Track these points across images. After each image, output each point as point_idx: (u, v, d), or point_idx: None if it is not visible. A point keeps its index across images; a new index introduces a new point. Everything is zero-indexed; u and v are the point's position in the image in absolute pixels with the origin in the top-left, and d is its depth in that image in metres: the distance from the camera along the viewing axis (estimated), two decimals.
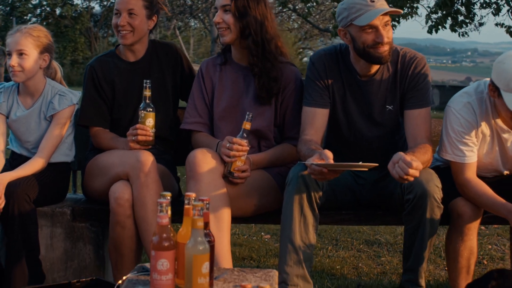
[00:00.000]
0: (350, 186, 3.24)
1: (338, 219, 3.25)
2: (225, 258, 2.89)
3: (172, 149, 3.48)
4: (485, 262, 4.24)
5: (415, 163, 2.70)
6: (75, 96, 3.30)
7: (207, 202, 2.17)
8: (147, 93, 3.09)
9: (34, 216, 3.06)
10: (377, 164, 2.77)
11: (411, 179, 2.74)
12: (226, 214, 2.96)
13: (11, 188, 3.01)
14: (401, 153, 2.75)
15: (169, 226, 2.15)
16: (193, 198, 2.18)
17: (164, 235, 2.12)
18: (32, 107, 3.28)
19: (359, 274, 3.93)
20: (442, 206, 2.94)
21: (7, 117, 3.31)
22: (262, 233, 4.83)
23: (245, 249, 4.37)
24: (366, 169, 2.81)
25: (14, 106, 3.30)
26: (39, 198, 3.11)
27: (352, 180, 3.24)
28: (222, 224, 2.94)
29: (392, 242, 4.69)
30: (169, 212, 2.17)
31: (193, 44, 36.98)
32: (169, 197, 2.18)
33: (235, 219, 3.08)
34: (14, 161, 3.30)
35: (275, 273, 2.39)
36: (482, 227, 5.11)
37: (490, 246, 4.63)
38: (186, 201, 2.19)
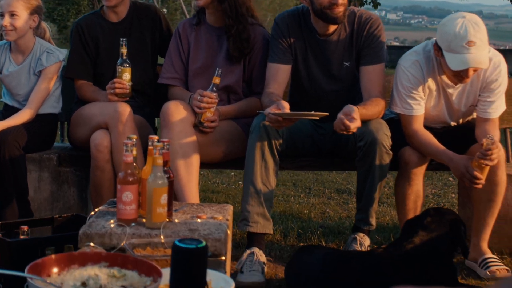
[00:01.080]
0: (311, 136, 3.53)
1: (299, 165, 3.55)
2: (193, 199, 3.20)
3: (151, 103, 3.77)
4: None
5: (353, 125, 3.00)
6: (61, 53, 3.58)
7: (167, 143, 2.48)
8: (124, 50, 3.38)
9: (23, 161, 3.36)
10: (327, 114, 3.06)
11: (351, 131, 3.04)
12: (195, 160, 3.26)
13: (2, 135, 3.31)
14: (343, 114, 3.04)
15: (133, 164, 2.46)
16: (156, 140, 2.48)
17: (129, 171, 2.43)
18: (23, 63, 3.57)
19: (325, 218, 4.25)
20: (391, 152, 3.23)
21: (0, 73, 3.60)
22: (240, 182, 5.13)
23: (222, 195, 4.69)
24: (318, 118, 3.10)
25: (6, 62, 3.59)
26: (28, 145, 3.41)
27: (312, 130, 3.52)
28: (191, 168, 3.24)
29: None
30: (134, 152, 2.48)
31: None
32: (134, 139, 2.49)
33: (204, 165, 3.39)
34: (6, 112, 3.60)
35: (229, 207, 2.70)
36: (450, 178, 5.43)
37: (453, 195, 4.94)
38: (149, 143, 2.49)
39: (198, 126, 3.33)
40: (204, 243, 1.87)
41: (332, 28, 3.40)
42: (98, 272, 1.99)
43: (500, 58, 3.30)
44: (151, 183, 2.38)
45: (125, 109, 3.32)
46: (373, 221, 3.38)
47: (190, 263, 1.86)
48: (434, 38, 3.33)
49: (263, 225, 3.22)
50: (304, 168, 3.60)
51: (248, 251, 3.18)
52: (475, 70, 3.17)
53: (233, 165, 3.55)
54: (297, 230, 3.86)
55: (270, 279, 3.12)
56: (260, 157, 3.21)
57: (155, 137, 2.49)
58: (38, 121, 3.53)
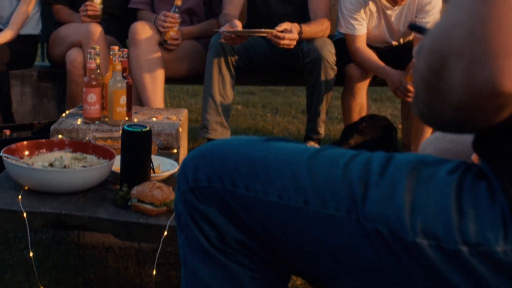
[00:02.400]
0: (266, 53, 3.86)
1: (255, 80, 3.91)
2: (158, 107, 3.56)
3: (122, 25, 4.09)
4: None
5: (287, 36, 3.35)
6: None
7: (126, 52, 2.82)
8: None
9: (6, 76, 3.71)
10: (273, 30, 3.40)
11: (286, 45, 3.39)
12: (160, 74, 3.61)
13: None
14: (284, 25, 3.38)
15: (97, 70, 2.81)
16: (116, 50, 2.82)
17: (93, 76, 2.78)
18: None
19: (286, 134, 4.63)
20: (335, 67, 3.58)
21: None
22: None
23: (194, 114, 5.06)
24: (265, 35, 3.43)
25: None
26: (10, 63, 3.75)
27: (267, 48, 3.86)
28: (156, 81, 3.59)
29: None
30: (98, 60, 2.82)
31: None
32: (97, 49, 2.83)
33: (170, 80, 3.74)
34: None
35: (184, 111, 3.06)
36: None
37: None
38: (110, 53, 2.83)
39: (162, 44, 3.67)
40: (148, 128, 2.24)
41: None
42: (63, 155, 2.37)
43: None
44: (111, 86, 2.74)
45: (97, 29, 3.64)
46: (322, 130, 3.75)
47: (135, 144, 2.22)
48: None
49: (221, 132, 3.59)
50: (259, 83, 3.96)
51: None
52: None
53: (195, 80, 3.90)
54: None
55: None
56: (217, 72, 3.56)
57: (116, 47, 2.83)
58: (19, 41, 3.86)
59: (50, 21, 4.11)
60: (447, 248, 0.90)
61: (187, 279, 1.15)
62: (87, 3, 3.70)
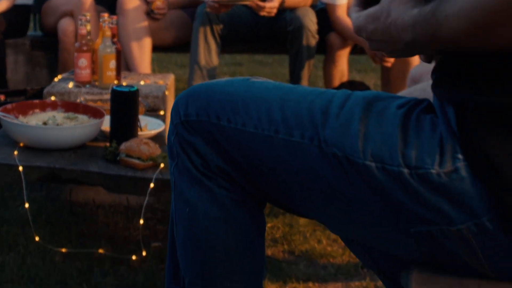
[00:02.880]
0: (249, 22, 3.99)
1: (240, 48, 4.06)
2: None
3: None
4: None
5: (268, 5, 3.49)
6: None
7: (115, 19, 2.96)
8: None
9: (2, 45, 3.83)
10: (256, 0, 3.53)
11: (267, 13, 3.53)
12: (147, 43, 3.75)
13: None
14: None
15: (87, 36, 2.94)
16: (106, 17, 2.95)
17: (83, 41, 2.91)
18: None
19: None
20: (316, 36, 3.72)
21: None
22: None
23: (182, 83, 5.20)
24: (249, 3, 3.57)
25: None
26: (5, 32, 3.87)
27: (250, 18, 3.99)
28: (144, 48, 3.73)
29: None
30: (88, 27, 2.95)
31: None
32: (88, 16, 2.96)
33: (157, 48, 3.88)
34: None
35: (171, 75, 3.20)
36: None
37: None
38: (100, 20, 2.96)
39: (149, 14, 3.80)
40: (135, 88, 2.38)
41: None
42: (55, 115, 2.51)
43: None
44: (101, 51, 2.87)
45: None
46: None
47: (124, 103, 2.37)
48: None
49: None
50: (244, 51, 4.10)
51: None
52: None
53: (182, 49, 4.04)
54: None
55: None
56: (203, 40, 3.69)
57: (105, 14, 2.96)
58: (14, 11, 3.97)
59: None
60: (391, 169, 1.06)
61: (177, 201, 1.30)
62: None
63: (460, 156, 1.02)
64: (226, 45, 3.81)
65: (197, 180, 1.27)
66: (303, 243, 2.52)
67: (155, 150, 2.32)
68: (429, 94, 1.20)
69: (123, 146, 2.31)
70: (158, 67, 5.70)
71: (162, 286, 2.20)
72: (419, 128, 1.07)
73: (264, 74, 5.78)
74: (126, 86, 2.41)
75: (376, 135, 1.08)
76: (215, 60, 3.74)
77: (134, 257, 2.35)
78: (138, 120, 2.43)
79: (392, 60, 3.63)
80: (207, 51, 3.70)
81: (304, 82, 3.85)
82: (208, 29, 3.67)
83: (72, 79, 3.01)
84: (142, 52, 3.70)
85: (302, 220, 2.73)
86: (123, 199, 2.87)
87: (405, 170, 1.05)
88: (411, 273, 1.08)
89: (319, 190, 1.15)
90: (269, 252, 2.52)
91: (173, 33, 3.90)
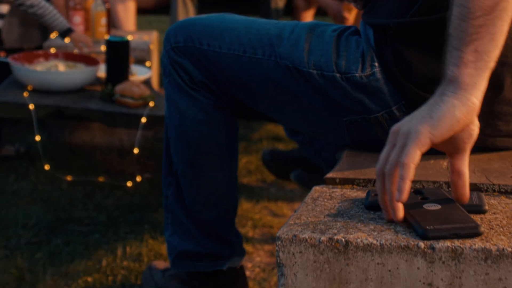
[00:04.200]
0: None
1: (213, 9, 4.38)
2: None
3: None
4: None
5: None
6: None
7: None
8: None
9: None
10: None
11: None
12: (131, 5, 4.10)
13: None
14: None
15: None
16: None
17: (77, 0, 3.27)
18: None
19: None
20: None
21: None
22: None
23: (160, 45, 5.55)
24: None
25: None
26: None
27: None
28: (128, 10, 4.08)
29: None
30: None
31: None
32: None
33: (140, 11, 4.23)
34: None
35: (154, 32, 3.57)
36: None
37: None
38: None
39: None
40: (127, 39, 2.76)
41: None
42: (57, 63, 2.88)
43: None
44: (93, 9, 3.24)
45: None
46: None
47: (118, 50, 2.74)
48: None
49: None
50: (217, 12, 4.46)
51: None
52: None
53: (163, 11, 4.40)
54: None
55: None
56: (182, 4, 4.05)
57: None
58: None
59: None
60: (327, 75, 1.45)
61: (170, 109, 1.69)
62: None
63: (376, 64, 1.42)
64: (203, 8, 4.17)
65: (185, 92, 1.66)
66: None
67: (145, 91, 2.70)
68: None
69: (118, 88, 2.69)
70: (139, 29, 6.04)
71: (155, 205, 2.60)
72: (347, 45, 1.47)
73: None
74: (119, 36, 2.79)
75: (316, 51, 1.48)
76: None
77: (129, 184, 2.74)
78: (129, 66, 2.81)
79: (351, 20, 4.02)
80: (185, 13, 4.06)
81: None
82: None
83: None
84: (127, 12, 4.05)
85: None
86: (116, 140, 3.25)
87: (337, 75, 1.45)
88: (343, 151, 1.49)
89: (276, 94, 1.55)
90: (244, 180, 2.92)
91: None
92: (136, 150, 2.67)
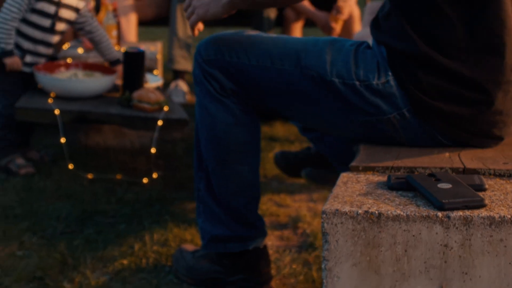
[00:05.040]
0: None
1: (210, 22, 4.62)
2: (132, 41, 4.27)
3: None
4: None
5: None
6: None
7: None
8: None
9: None
10: None
11: None
12: (133, 18, 4.31)
13: None
14: None
15: (92, 11, 3.50)
16: None
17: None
18: None
19: None
20: (275, 10, 4.34)
21: None
22: None
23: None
24: None
25: None
26: None
27: None
28: (130, 22, 4.29)
29: None
30: (92, 3, 3.51)
31: None
32: None
33: (142, 23, 4.44)
34: None
35: (159, 43, 3.79)
36: None
37: None
38: None
39: None
40: (143, 50, 2.97)
41: None
42: (77, 72, 3.08)
43: None
44: (105, 22, 3.44)
45: None
46: None
47: (135, 61, 2.95)
48: None
49: (183, 63, 4.33)
50: (214, 24, 4.68)
51: (174, 83, 4.31)
52: None
53: (160, 23, 4.62)
54: None
55: (191, 104, 4.25)
56: (180, 15, 4.27)
57: None
58: None
59: None
60: (348, 82, 1.69)
61: (201, 114, 1.91)
62: None
63: (390, 73, 1.66)
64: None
65: (216, 98, 1.88)
66: (274, 169, 3.15)
67: (160, 96, 2.92)
68: (368, 39, 1.84)
69: (135, 94, 2.90)
70: (140, 40, 6.24)
71: (171, 199, 2.81)
72: (364, 57, 1.71)
73: None
74: (135, 48, 3.00)
75: (337, 62, 1.72)
76: (190, 32, 4.32)
77: (145, 180, 2.95)
78: (144, 74, 3.03)
79: (338, 30, 4.27)
80: (183, 24, 4.28)
81: None
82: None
83: (77, 46, 3.56)
84: (129, 24, 4.26)
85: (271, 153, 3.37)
86: (127, 142, 3.46)
87: (357, 83, 1.68)
88: (359, 145, 1.73)
89: (300, 99, 1.78)
90: None
91: (153, 9, 4.46)
92: (153, 150, 2.88)
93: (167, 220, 2.58)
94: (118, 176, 2.98)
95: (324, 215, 1.28)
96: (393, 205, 1.28)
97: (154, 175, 2.92)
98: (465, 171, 1.46)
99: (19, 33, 2.98)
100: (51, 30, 3.04)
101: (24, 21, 2.98)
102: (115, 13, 3.52)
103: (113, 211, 2.67)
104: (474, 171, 1.46)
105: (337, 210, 1.28)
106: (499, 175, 1.45)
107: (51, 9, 3.00)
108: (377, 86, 1.67)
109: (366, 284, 1.28)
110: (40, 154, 3.21)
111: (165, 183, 2.99)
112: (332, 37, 1.82)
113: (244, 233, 1.97)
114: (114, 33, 3.45)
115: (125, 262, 2.23)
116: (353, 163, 1.54)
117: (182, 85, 4.28)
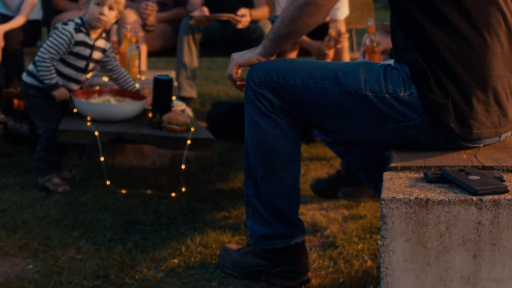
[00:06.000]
0: (220, 32, 4.90)
1: (213, 52, 4.97)
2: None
3: None
4: None
5: (243, 19, 4.44)
6: None
7: (136, 29, 3.83)
8: None
9: (21, 52, 4.60)
10: (232, 15, 4.47)
11: (242, 25, 4.48)
12: (143, 48, 4.60)
13: (7, 34, 4.53)
14: (242, 10, 4.47)
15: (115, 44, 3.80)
16: (129, 28, 3.82)
17: (114, 46, 3.77)
18: None
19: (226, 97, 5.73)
20: None
21: None
22: None
23: None
24: (227, 18, 4.50)
25: None
26: (22, 42, 4.64)
27: (220, 29, 4.90)
28: (142, 55, 4.59)
29: None
30: (115, 37, 3.81)
31: None
32: (115, 28, 3.82)
33: (151, 54, 4.75)
34: (3, 20, 4.78)
35: (173, 72, 4.09)
36: None
37: None
38: (124, 30, 3.83)
39: (144, 27, 4.67)
40: (170, 77, 3.28)
41: None
42: (109, 98, 3.37)
43: None
44: (129, 53, 3.75)
45: None
46: None
47: (164, 86, 3.26)
48: None
49: (190, 91, 4.63)
50: (216, 54, 5.03)
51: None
52: None
53: (166, 54, 4.92)
54: (210, 102, 5.34)
55: None
56: (187, 46, 4.59)
57: (128, 26, 3.83)
58: (27, 25, 4.74)
59: (48, 10, 5.01)
60: (380, 96, 2.01)
61: (252, 130, 2.22)
62: None
63: (413, 87, 1.99)
64: (203, 50, 4.72)
65: (266, 115, 2.19)
66: None
67: (187, 119, 3.22)
68: (390, 61, 2.18)
69: (165, 116, 3.20)
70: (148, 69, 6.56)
71: (200, 209, 3.09)
72: (391, 75, 2.04)
73: (215, 76, 6.72)
74: (163, 75, 3.31)
75: (370, 79, 2.05)
76: (195, 62, 4.64)
77: (173, 194, 3.23)
78: (172, 103, 3.33)
79: (331, 55, 4.63)
80: (190, 54, 4.59)
81: None
82: (190, 37, 4.56)
83: (101, 76, 3.84)
84: (142, 55, 4.55)
85: None
86: (148, 162, 3.74)
87: (387, 96, 2.01)
88: (391, 150, 2.05)
89: (339, 112, 2.11)
90: None
91: (161, 41, 4.77)
92: (183, 166, 3.17)
93: (202, 227, 2.86)
94: (149, 191, 3.26)
95: (383, 202, 1.60)
96: (436, 193, 1.61)
97: (183, 189, 3.21)
98: (484, 168, 1.79)
99: (56, 71, 3.26)
100: (85, 70, 3.34)
101: (62, 61, 3.27)
102: (137, 44, 3.82)
103: (151, 221, 2.95)
104: (491, 168, 1.79)
105: (393, 197, 1.60)
106: (511, 171, 1.79)
107: (86, 52, 3.30)
108: (404, 97, 2.00)
109: (416, 256, 1.60)
110: (72, 173, 3.48)
111: (190, 196, 3.27)
112: (363, 61, 2.15)
113: (287, 231, 2.27)
114: (136, 63, 3.75)
115: (175, 261, 2.51)
116: (392, 164, 1.86)
117: (188, 111, 4.57)
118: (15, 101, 4.11)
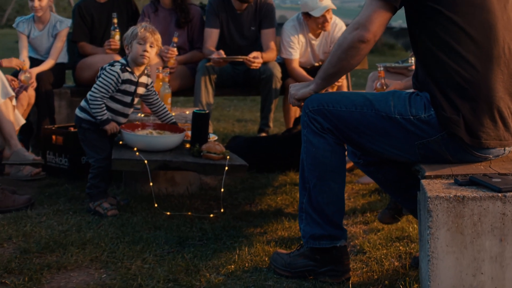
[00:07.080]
0: (230, 73, 5.40)
1: (226, 92, 5.47)
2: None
3: None
4: None
5: (257, 61, 4.95)
6: (68, 21, 5.25)
7: (167, 71, 4.31)
8: (115, 20, 5.12)
9: (52, 92, 5.04)
10: (247, 57, 4.97)
11: (255, 66, 4.98)
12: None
13: (39, 76, 4.97)
14: (254, 53, 4.98)
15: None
16: (161, 69, 4.29)
17: None
18: (43, 30, 5.20)
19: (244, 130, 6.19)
20: (281, 81, 5.19)
21: (28, 36, 5.22)
22: None
23: None
24: (242, 60, 5.00)
25: (32, 30, 5.21)
26: (53, 82, 5.08)
27: (231, 71, 5.40)
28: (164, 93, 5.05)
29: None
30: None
31: None
32: (149, 69, 4.28)
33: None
34: (33, 63, 5.22)
35: (194, 109, 4.56)
36: None
37: None
38: (158, 71, 4.30)
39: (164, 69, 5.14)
40: (208, 111, 3.74)
41: (244, 5, 5.29)
42: (151, 130, 3.81)
43: (342, 24, 5.33)
44: (162, 91, 4.21)
45: (118, 58, 5.05)
46: (271, 124, 5.35)
47: (202, 119, 3.72)
48: (300, 12, 5.31)
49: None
50: (229, 93, 5.54)
51: None
52: (329, 19, 5.15)
53: (183, 93, 5.40)
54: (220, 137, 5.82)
55: None
56: (204, 86, 5.08)
57: (160, 67, 4.30)
58: (55, 68, 5.19)
59: (72, 54, 5.47)
60: (406, 117, 2.51)
61: (307, 148, 2.70)
62: (110, 40, 5.11)
63: (432, 109, 2.50)
64: (217, 89, 5.21)
65: (318, 134, 2.69)
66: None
67: (223, 148, 3.68)
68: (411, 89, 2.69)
69: (204, 146, 3.66)
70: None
71: (238, 226, 3.53)
72: (415, 100, 2.55)
73: (216, 115, 7.21)
74: (201, 110, 3.78)
75: (398, 104, 2.55)
76: (211, 99, 5.12)
77: (212, 215, 3.67)
78: (208, 135, 3.79)
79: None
80: (206, 93, 5.08)
81: (271, 114, 5.29)
82: (207, 78, 5.05)
83: (137, 112, 4.29)
84: (161, 96, 5.01)
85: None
86: (183, 189, 4.17)
87: (411, 117, 2.52)
88: (421, 164, 2.53)
89: (375, 132, 2.60)
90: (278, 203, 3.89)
91: (179, 81, 5.24)
92: (222, 190, 3.62)
93: (245, 240, 3.30)
94: (189, 213, 3.70)
95: (429, 199, 2.08)
96: (468, 192, 2.09)
97: (222, 210, 3.66)
98: (500, 174, 2.29)
99: (106, 106, 3.71)
100: (131, 104, 3.79)
101: (111, 97, 3.73)
102: (169, 83, 4.28)
103: (199, 237, 3.38)
104: (506, 175, 2.29)
105: (437, 195, 2.08)
106: None
107: (131, 88, 3.76)
108: (424, 118, 2.50)
109: (455, 242, 2.07)
110: (117, 199, 3.90)
111: (227, 216, 3.71)
112: (393, 90, 2.66)
113: (333, 233, 2.73)
114: (169, 100, 4.22)
115: (232, 267, 2.94)
116: (427, 173, 2.35)
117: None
118: (54, 137, 4.54)
